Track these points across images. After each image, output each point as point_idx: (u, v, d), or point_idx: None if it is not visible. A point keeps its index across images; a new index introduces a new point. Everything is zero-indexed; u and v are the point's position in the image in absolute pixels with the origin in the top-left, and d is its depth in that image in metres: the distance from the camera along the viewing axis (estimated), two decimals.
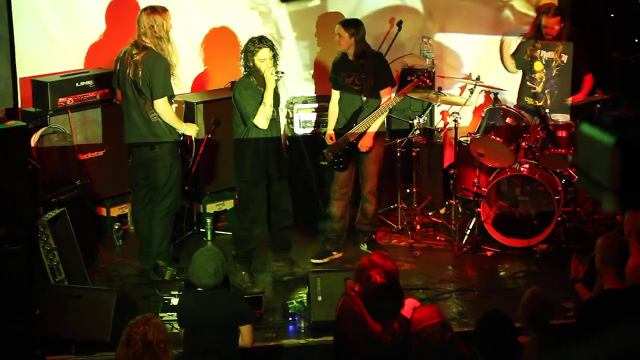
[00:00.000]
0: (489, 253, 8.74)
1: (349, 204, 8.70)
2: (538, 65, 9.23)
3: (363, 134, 8.39)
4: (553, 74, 9.19)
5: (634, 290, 5.71)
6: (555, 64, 9.17)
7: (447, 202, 9.50)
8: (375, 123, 8.38)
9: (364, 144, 8.40)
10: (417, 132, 9.10)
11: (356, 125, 8.39)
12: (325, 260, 8.64)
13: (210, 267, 6.00)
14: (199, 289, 6.09)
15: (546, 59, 9.19)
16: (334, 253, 8.70)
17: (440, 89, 9.09)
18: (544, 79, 9.21)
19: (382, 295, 5.64)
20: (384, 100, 8.43)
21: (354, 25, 8.38)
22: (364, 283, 5.65)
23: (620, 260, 5.77)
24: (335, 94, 8.60)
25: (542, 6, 9.84)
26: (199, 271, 6.03)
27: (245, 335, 6.12)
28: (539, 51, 9.19)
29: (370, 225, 8.78)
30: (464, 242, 8.85)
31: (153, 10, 7.91)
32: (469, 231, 8.91)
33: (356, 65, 8.40)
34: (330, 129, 8.61)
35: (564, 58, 9.16)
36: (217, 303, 6.06)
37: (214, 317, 6.03)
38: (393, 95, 8.50)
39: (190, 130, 8.11)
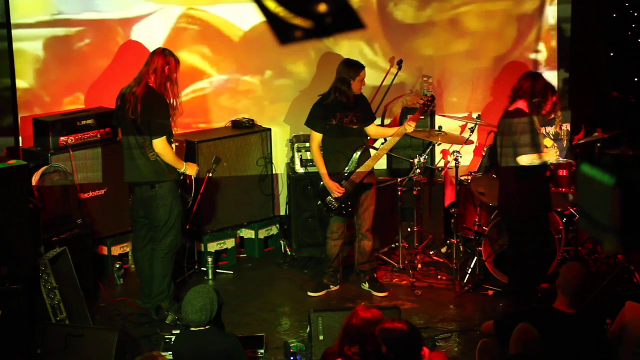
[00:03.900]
0: (490, 292, 8.72)
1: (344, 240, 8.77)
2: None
3: (369, 172, 8.45)
4: (565, 145, 9.22)
5: (577, 317, 5.99)
6: (564, 136, 9.20)
7: (448, 241, 9.50)
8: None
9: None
10: (418, 171, 9.07)
11: (361, 165, 8.42)
12: (323, 293, 8.71)
13: (197, 303, 5.98)
14: (192, 328, 6.06)
15: (553, 133, 9.21)
16: (332, 287, 8.75)
17: (441, 127, 9.12)
18: (558, 153, 8.96)
19: (411, 341, 5.60)
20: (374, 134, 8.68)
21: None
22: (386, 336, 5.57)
23: (573, 291, 6.04)
24: (318, 138, 8.49)
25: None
26: (187, 306, 6.02)
27: None
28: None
29: (370, 263, 8.77)
30: (465, 281, 8.84)
31: (171, 53, 7.93)
32: (470, 270, 8.90)
33: (352, 104, 8.40)
34: (329, 180, 8.44)
35: (566, 127, 9.22)
36: (209, 343, 6.02)
37: (206, 357, 5.98)
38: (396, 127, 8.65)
39: (191, 170, 8.06)
